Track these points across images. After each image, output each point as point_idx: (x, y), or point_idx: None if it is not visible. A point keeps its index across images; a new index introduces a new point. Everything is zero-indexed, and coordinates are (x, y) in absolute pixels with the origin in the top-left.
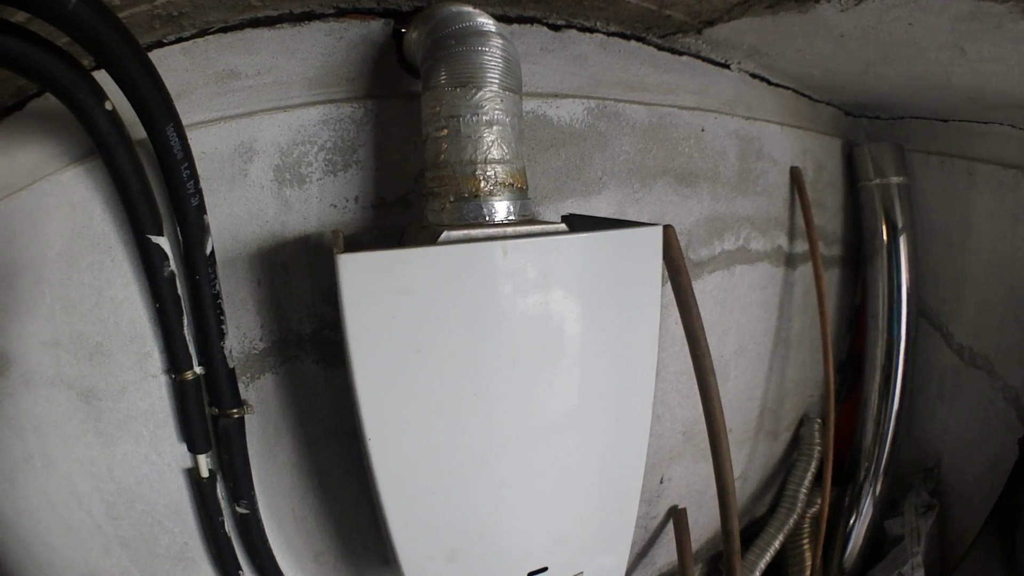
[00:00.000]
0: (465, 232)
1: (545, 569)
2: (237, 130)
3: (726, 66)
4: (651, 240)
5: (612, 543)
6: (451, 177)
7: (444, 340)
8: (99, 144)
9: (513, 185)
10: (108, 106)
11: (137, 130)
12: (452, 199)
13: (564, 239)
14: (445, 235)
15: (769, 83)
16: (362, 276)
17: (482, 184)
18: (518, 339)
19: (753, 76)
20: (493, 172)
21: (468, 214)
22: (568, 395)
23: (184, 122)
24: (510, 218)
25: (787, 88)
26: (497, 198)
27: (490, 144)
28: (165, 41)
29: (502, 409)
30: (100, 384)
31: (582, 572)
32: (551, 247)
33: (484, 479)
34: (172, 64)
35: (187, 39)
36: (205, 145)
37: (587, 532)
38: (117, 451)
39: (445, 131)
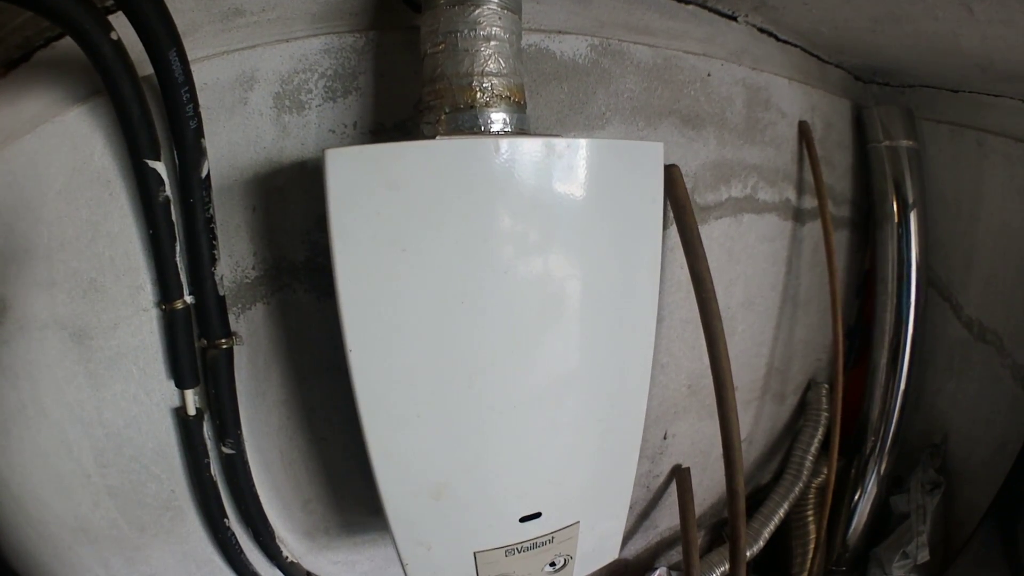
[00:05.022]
0: (460, 138)
1: (539, 515)
2: (239, 61)
3: (733, 18)
4: (652, 156)
5: (611, 491)
6: (447, 89)
7: (432, 240)
8: (103, 72)
9: (510, 98)
10: (113, 36)
11: (141, 68)
12: (448, 110)
13: (561, 141)
14: (439, 137)
15: (777, 39)
16: (349, 171)
17: (478, 95)
18: (510, 245)
19: (760, 31)
20: (490, 84)
21: (464, 124)
22: (563, 311)
23: (188, 57)
24: (506, 129)
25: (795, 46)
26: (494, 109)
27: (487, 57)
28: None
29: (491, 321)
30: (92, 321)
31: (578, 522)
32: (548, 149)
33: (472, 401)
34: (178, 5)
35: None
36: (207, 77)
37: (585, 474)
38: (107, 392)
39: (442, 46)
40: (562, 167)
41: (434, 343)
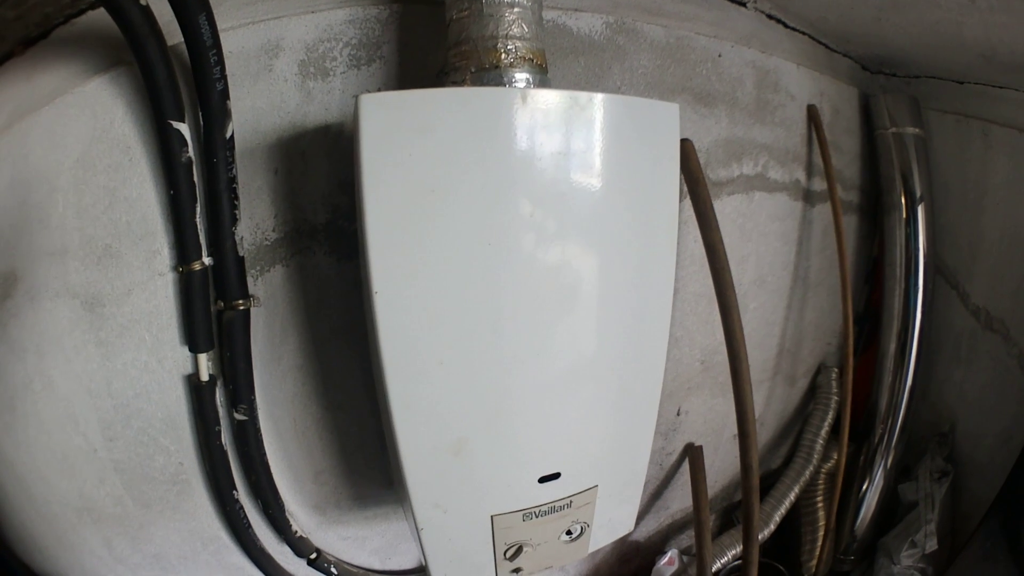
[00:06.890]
0: (488, 88)
1: (558, 475)
2: (265, 30)
3: (742, 3)
4: (669, 116)
5: (629, 454)
6: (472, 51)
7: (459, 183)
8: (130, 36)
9: (533, 61)
10: (143, 1)
11: (168, 38)
12: (473, 70)
13: (583, 94)
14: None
15: (785, 26)
16: (381, 115)
17: (503, 56)
18: (534, 193)
19: (769, 17)
20: (514, 46)
21: (489, 82)
22: (584, 258)
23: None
24: (529, 89)
25: (803, 33)
26: (518, 70)
27: (511, 22)
28: None
29: (514, 265)
30: (106, 288)
31: (596, 486)
32: (571, 101)
33: (494, 349)
34: None
35: None
36: (233, 45)
37: (604, 434)
38: (117, 362)
39: (467, 12)
40: (583, 119)
41: (458, 287)
